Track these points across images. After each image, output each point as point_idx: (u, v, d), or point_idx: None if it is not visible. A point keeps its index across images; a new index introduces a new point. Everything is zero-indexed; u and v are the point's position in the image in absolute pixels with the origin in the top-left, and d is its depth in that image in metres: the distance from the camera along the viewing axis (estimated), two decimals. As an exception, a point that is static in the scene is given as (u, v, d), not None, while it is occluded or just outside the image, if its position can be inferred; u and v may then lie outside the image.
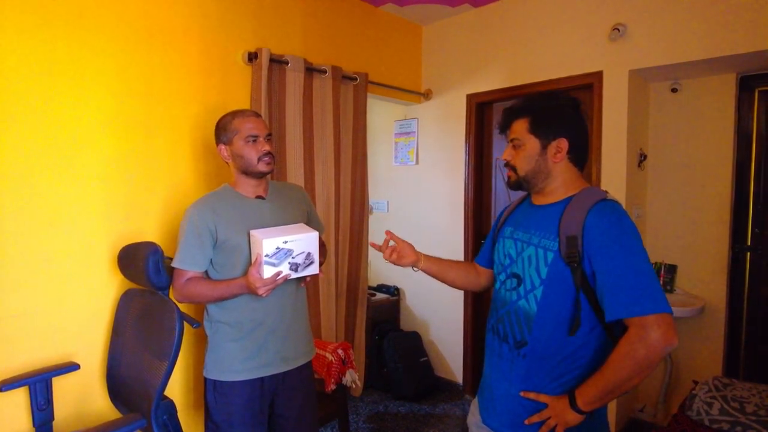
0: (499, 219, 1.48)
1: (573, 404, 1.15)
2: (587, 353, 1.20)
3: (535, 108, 1.29)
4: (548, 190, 1.29)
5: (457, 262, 1.62)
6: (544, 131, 1.26)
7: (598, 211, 1.16)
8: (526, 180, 1.30)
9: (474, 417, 1.43)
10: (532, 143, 1.27)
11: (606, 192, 1.23)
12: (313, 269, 1.59)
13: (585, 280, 1.16)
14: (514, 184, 1.33)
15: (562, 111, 1.28)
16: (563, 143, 1.25)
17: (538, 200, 1.33)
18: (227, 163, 1.69)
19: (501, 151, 1.44)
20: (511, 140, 1.31)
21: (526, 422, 1.22)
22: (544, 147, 1.26)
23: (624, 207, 2.68)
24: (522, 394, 1.24)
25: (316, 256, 1.59)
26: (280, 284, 1.55)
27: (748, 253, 2.63)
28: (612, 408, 2.65)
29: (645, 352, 1.06)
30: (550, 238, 1.22)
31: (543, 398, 1.21)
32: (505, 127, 1.35)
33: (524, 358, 1.24)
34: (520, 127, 1.29)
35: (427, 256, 1.59)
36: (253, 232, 1.54)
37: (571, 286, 1.17)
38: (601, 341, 1.20)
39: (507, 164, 1.33)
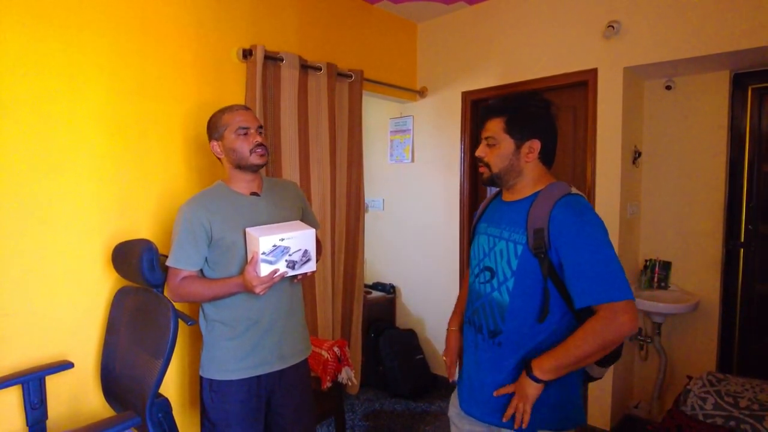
0: (476, 216, 1.55)
1: (529, 373, 1.22)
2: (559, 339, 1.26)
3: (510, 109, 1.34)
4: (518, 187, 1.37)
5: (464, 290, 1.62)
6: (518, 132, 1.32)
7: (563, 205, 1.24)
8: (499, 177, 1.36)
9: (455, 408, 1.48)
10: (507, 143, 1.33)
11: (571, 187, 1.31)
12: (310, 266, 1.58)
13: (552, 270, 1.23)
14: (488, 180, 1.40)
15: (536, 113, 1.34)
16: (536, 144, 1.32)
17: (508, 197, 1.40)
18: (220, 159, 1.68)
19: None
20: (486, 138, 1.37)
21: (495, 394, 1.30)
22: (518, 147, 1.33)
23: (618, 204, 2.71)
24: (495, 394, 1.31)
25: (313, 254, 1.58)
26: (277, 282, 1.54)
27: (742, 250, 2.65)
28: (607, 405, 2.67)
29: (613, 335, 1.16)
30: (519, 232, 1.29)
31: (511, 389, 1.28)
32: (480, 125, 1.41)
33: (499, 346, 1.31)
34: (496, 126, 1.34)
35: (454, 320, 1.61)
36: (249, 230, 1.53)
37: (539, 277, 1.25)
38: (571, 327, 1.26)
39: (480, 161, 1.39)
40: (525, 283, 1.27)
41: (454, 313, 1.64)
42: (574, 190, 1.30)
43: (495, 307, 1.32)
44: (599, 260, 1.18)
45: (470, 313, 1.42)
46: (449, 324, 1.62)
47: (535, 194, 1.31)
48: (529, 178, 1.35)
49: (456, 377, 1.55)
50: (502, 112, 1.34)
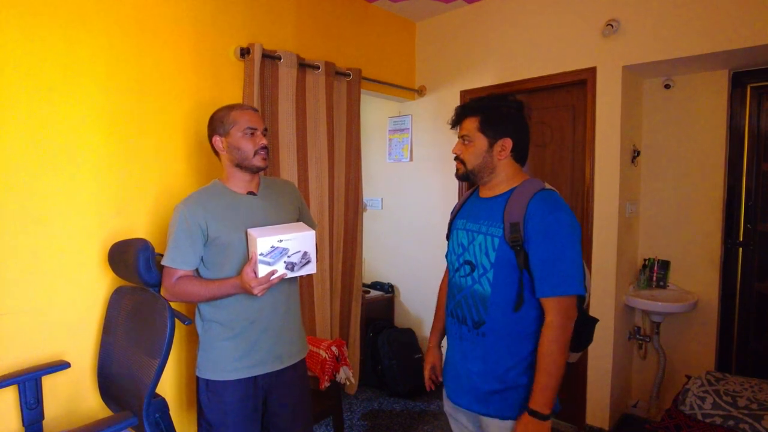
0: (452, 213, 1.60)
1: (536, 415, 1.26)
2: (539, 327, 1.33)
3: (485, 108, 1.42)
4: (493, 184, 1.44)
5: (441, 296, 1.74)
6: (492, 131, 1.39)
7: (538, 200, 1.31)
8: (473, 173, 1.44)
9: (447, 402, 1.54)
10: (481, 141, 1.40)
11: (544, 182, 1.38)
12: (310, 268, 1.58)
13: (527, 262, 1.31)
14: (462, 176, 1.46)
15: (508, 113, 1.41)
16: (508, 143, 1.39)
17: (485, 193, 1.47)
18: (219, 156, 1.67)
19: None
20: (462, 136, 1.44)
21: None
22: (491, 145, 1.40)
23: (616, 202, 2.71)
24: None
25: (313, 256, 1.57)
26: (275, 283, 1.54)
27: (740, 249, 2.65)
28: (605, 404, 2.66)
29: (568, 337, 1.28)
30: (496, 226, 1.36)
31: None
32: (456, 123, 1.48)
33: (484, 336, 1.37)
34: (471, 125, 1.42)
35: (433, 336, 1.71)
36: (249, 231, 1.52)
37: (515, 267, 1.32)
38: None
39: (456, 158, 1.46)
40: (503, 274, 1.34)
41: (433, 328, 1.72)
42: (547, 186, 1.37)
43: (477, 299, 1.38)
44: (559, 256, 1.27)
45: (452, 306, 1.48)
46: (429, 339, 1.71)
47: (511, 190, 1.39)
48: (503, 175, 1.42)
49: (432, 387, 1.67)
50: (477, 111, 1.42)
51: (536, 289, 1.30)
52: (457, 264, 1.46)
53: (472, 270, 1.40)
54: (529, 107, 1.49)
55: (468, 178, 1.46)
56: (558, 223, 1.28)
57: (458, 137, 1.46)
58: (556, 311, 1.27)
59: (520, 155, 1.42)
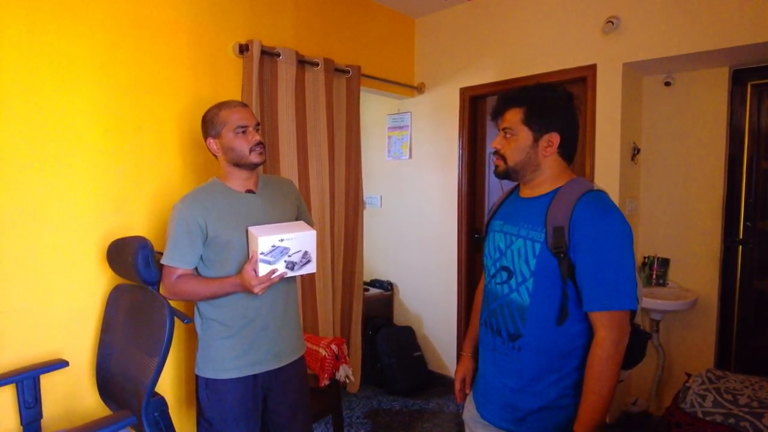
0: (489, 213, 1.48)
1: None
2: (583, 343, 1.22)
3: (530, 99, 1.27)
4: (536, 183, 1.30)
5: (477, 302, 1.57)
6: (537, 124, 1.25)
7: (586, 203, 1.18)
8: (515, 171, 1.29)
9: (470, 412, 1.43)
10: (525, 134, 1.26)
11: (593, 183, 1.25)
12: (311, 268, 1.58)
13: (572, 271, 1.18)
14: (502, 174, 1.32)
15: (556, 104, 1.27)
16: (555, 137, 1.25)
17: (526, 192, 1.33)
18: (216, 156, 1.65)
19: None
20: (503, 129, 1.30)
21: None
22: (536, 140, 1.25)
23: (617, 200, 2.69)
24: None
25: (313, 255, 1.57)
26: (276, 282, 1.53)
27: (740, 247, 2.65)
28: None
29: (621, 355, 1.16)
30: (537, 230, 1.23)
31: None
32: (497, 114, 1.33)
33: (520, 350, 1.25)
34: (514, 116, 1.27)
35: (467, 345, 1.59)
36: (250, 229, 1.51)
37: (558, 277, 1.19)
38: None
39: (496, 152, 1.32)
40: (545, 284, 1.21)
41: (467, 336, 1.59)
42: (596, 186, 1.23)
43: (514, 309, 1.26)
44: (609, 266, 1.14)
45: (486, 314, 1.36)
46: (463, 347, 1.59)
47: (556, 190, 1.25)
48: (548, 174, 1.28)
49: (462, 400, 1.54)
50: (522, 102, 1.27)
51: (584, 302, 1.17)
52: (494, 269, 1.33)
53: (510, 277, 1.27)
54: (579, 99, 1.35)
55: (508, 176, 1.31)
56: (609, 229, 1.16)
57: (499, 130, 1.31)
58: (608, 327, 1.14)
59: (567, 152, 1.28)
